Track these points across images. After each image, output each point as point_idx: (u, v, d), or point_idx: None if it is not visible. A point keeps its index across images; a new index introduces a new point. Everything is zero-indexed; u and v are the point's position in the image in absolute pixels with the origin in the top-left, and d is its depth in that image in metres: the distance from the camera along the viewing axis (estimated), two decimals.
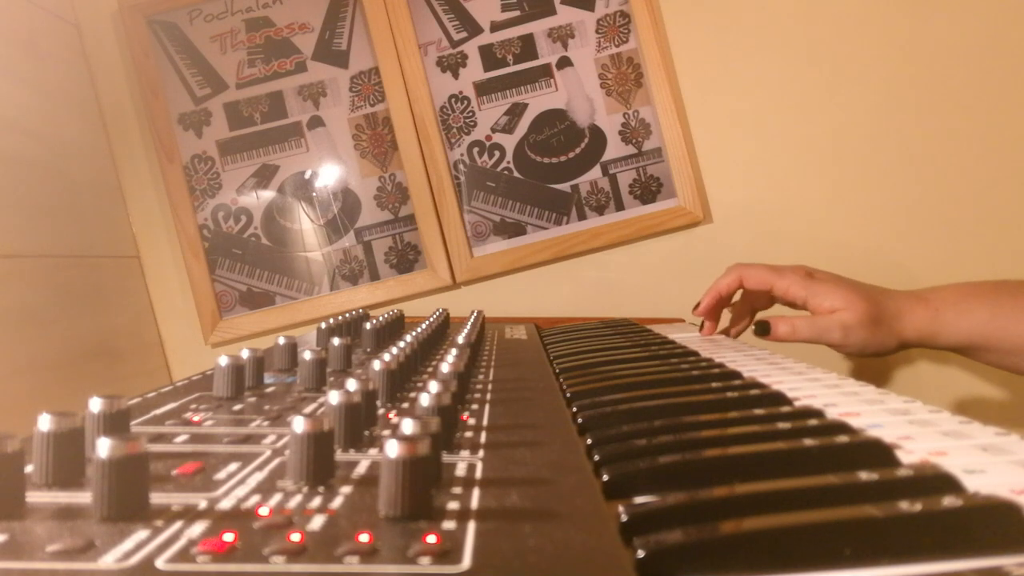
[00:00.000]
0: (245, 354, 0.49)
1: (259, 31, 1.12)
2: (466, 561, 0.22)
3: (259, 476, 0.30)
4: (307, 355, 0.49)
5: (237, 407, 0.44)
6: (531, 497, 0.28)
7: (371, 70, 1.11)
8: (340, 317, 0.76)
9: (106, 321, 1.01)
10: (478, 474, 0.31)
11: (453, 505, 0.27)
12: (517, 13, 1.10)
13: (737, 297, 0.84)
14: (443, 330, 0.75)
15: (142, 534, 0.24)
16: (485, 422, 0.40)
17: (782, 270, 0.77)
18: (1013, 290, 0.71)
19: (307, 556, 0.23)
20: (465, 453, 0.34)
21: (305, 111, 1.11)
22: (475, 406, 0.44)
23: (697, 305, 0.81)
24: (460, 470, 0.31)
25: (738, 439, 0.36)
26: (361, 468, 0.31)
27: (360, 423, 0.35)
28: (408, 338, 0.53)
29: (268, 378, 0.53)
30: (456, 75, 1.10)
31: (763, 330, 0.75)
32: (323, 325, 0.72)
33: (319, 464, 0.29)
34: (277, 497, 0.28)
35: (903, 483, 0.28)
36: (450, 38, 1.10)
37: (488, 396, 0.47)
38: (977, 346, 0.72)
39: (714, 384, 0.49)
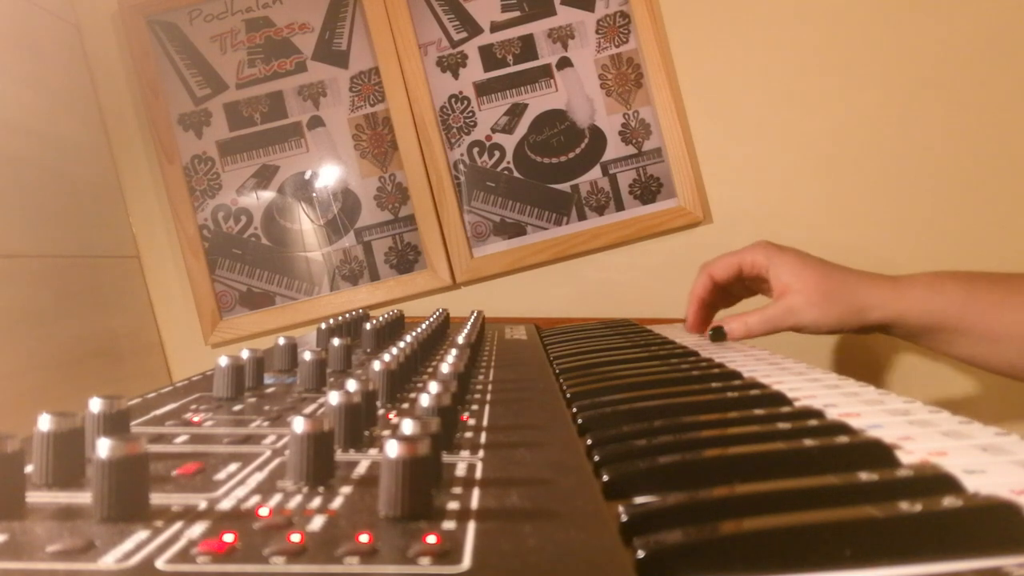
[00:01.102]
0: (245, 354, 0.49)
1: (259, 31, 1.12)
2: (466, 561, 0.22)
3: (259, 476, 0.30)
4: (307, 355, 0.49)
5: (237, 407, 0.44)
6: (531, 497, 0.28)
7: (371, 70, 1.11)
8: (340, 317, 0.76)
9: (106, 321, 1.01)
10: (478, 474, 0.31)
11: (453, 505, 0.27)
12: (517, 13, 1.10)
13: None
14: (443, 330, 0.75)
15: (142, 534, 0.24)
16: (485, 422, 0.40)
17: (742, 251, 0.77)
18: (990, 277, 0.70)
19: (307, 557, 0.23)
20: (465, 453, 0.34)
21: (305, 111, 1.11)
22: (475, 406, 0.44)
23: (687, 321, 0.81)
24: (460, 470, 0.31)
25: (738, 439, 0.36)
26: (361, 468, 0.31)
27: (360, 423, 0.35)
28: (408, 338, 0.53)
29: (268, 379, 0.53)
30: (456, 75, 1.10)
31: (718, 335, 0.75)
32: (323, 325, 0.72)
33: (319, 464, 0.29)
34: (277, 497, 0.28)
35: (903, 483, 0.28)
36: (450, 38, 1.10)
37: (488, 396, 0.47)
38: (949, 328, 0.69)
39: (714, 384, 0.49)
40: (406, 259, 1.11)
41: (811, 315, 0.71)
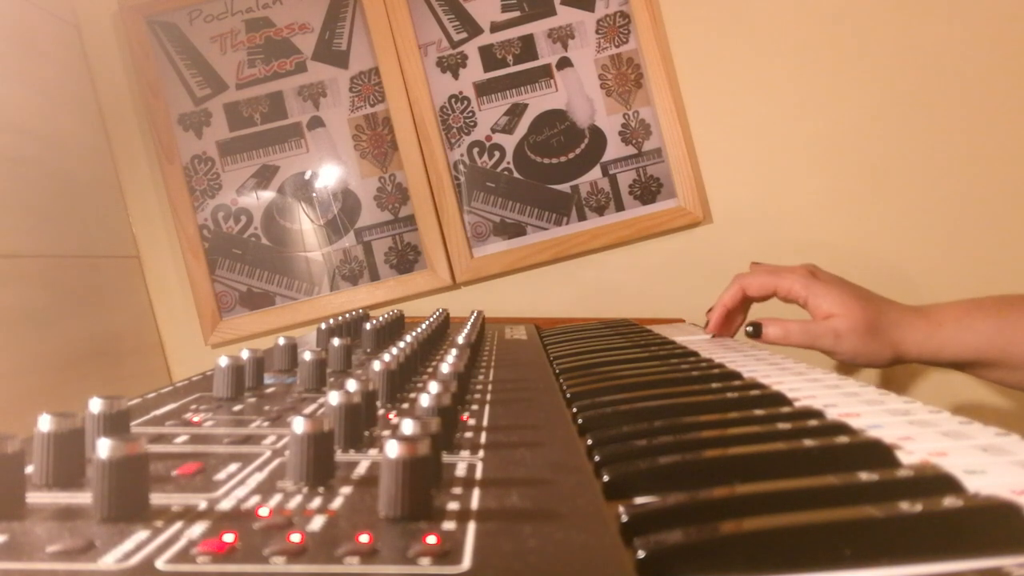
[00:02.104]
0: (245, 355, 0.49)
1: (259, 31, 1.12)
2: (466, 562, 0.22)
3: (259, 477, 0.30)
4: (307, 356, 0.49)
5: (237, 408, 0.44)
6: (531, 497, 0.28)
7: (371, 70, 1.11)
8: (340, 317, 0.76)
9: (106, 321, 1.01)
10: (478, 474, 0.31)
11: (453, 505, 0.27)
12: (517, 13, 1.10)
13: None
14: (443, 330, 0.75)
15: (142, 535, 0.24)
16: (485, 422, 0.40)
17: (782, 272, 0.76)
18: (1019, 303, 0.69)
19: (307, 557, 0.23)
20: (465, 453, 0.34)
21: (305, 111, 1.11)
22: (475, 406, 0.44)
23: (707, 324, 0.81)
24: (460, 470, 0.31)
25: (738, 439, 0.36)
26: (361, 468, 0.31)
27: (360, 424, 0.35)
28: (408, 338, 0.53)
29: (268, 379, 0.53)
30: (456, 75, 1.10)
31: (755, 332, 0.74)
32: (323, 325, 0.72)
33: (319, 465, 0.29)
34: (277, 498, 0.28)
35: (903, 484, 0.28)
36: (450, 38, 1.10)
37: (488, 396, 0.47)
38: (983, 361, 0.70)
39: (714, 384, 0.49)
40: (406, 259, 1.11)
41: (851, 342, 0.70)
